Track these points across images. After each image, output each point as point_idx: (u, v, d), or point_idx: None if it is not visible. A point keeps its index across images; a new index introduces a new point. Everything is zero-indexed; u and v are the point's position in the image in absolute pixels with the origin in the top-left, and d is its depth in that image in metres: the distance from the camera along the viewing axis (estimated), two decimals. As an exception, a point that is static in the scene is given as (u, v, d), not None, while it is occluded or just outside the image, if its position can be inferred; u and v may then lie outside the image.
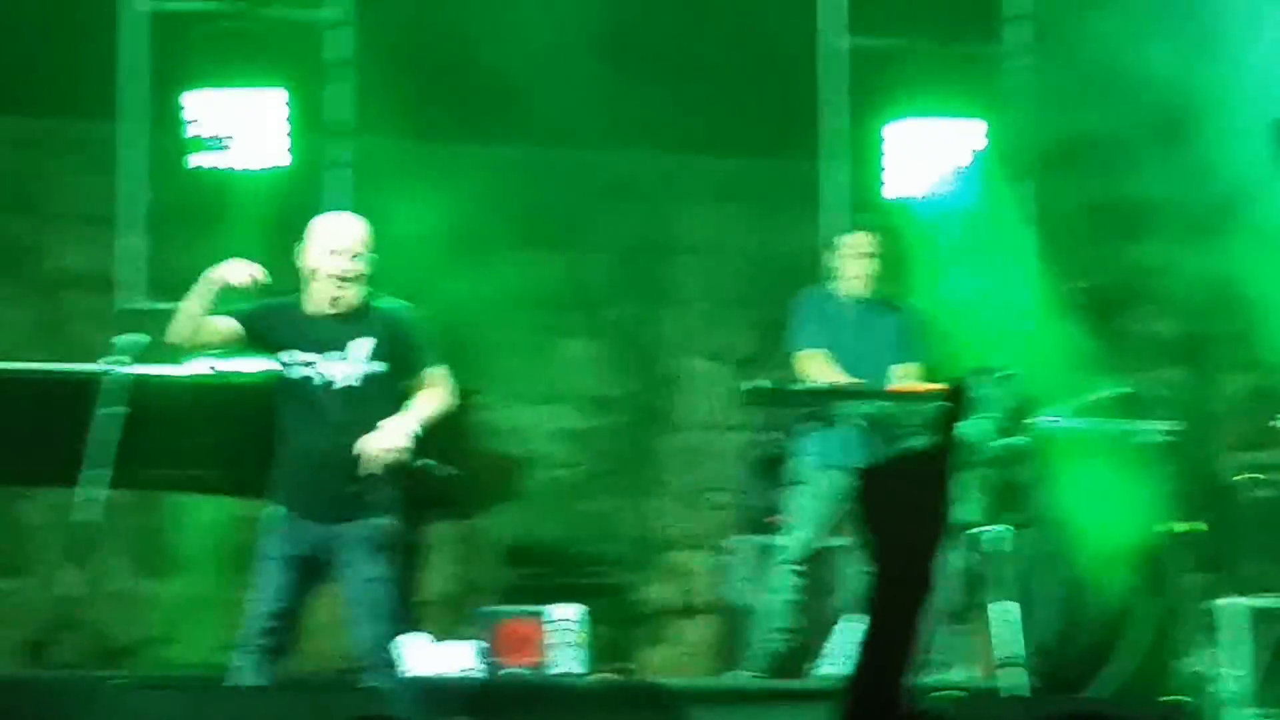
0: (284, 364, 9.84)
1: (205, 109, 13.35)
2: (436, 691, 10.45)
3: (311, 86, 13.60)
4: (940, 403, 8.19)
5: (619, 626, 13.27)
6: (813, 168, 13.80)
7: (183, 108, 13.28)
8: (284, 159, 13.43)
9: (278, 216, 12.71)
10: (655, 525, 14.63)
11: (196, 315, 9.73)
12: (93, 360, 10.88)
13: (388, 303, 9.93)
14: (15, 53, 13.08)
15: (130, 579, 11.89)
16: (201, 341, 10.00)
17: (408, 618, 10.99)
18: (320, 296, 9.62)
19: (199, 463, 11.53)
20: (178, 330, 9.80)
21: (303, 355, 9.72)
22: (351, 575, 9.67)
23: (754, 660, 11.66)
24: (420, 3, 13.71)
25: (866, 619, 2.75)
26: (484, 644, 11.35)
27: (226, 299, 9.65)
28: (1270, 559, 11.63)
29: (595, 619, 11.98)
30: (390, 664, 9.73)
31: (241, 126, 13.38)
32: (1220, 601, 11.53)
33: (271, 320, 9.88)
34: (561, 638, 11.38)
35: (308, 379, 9.76)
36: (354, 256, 9.70)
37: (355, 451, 9.61)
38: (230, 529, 12.87)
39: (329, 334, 9.68)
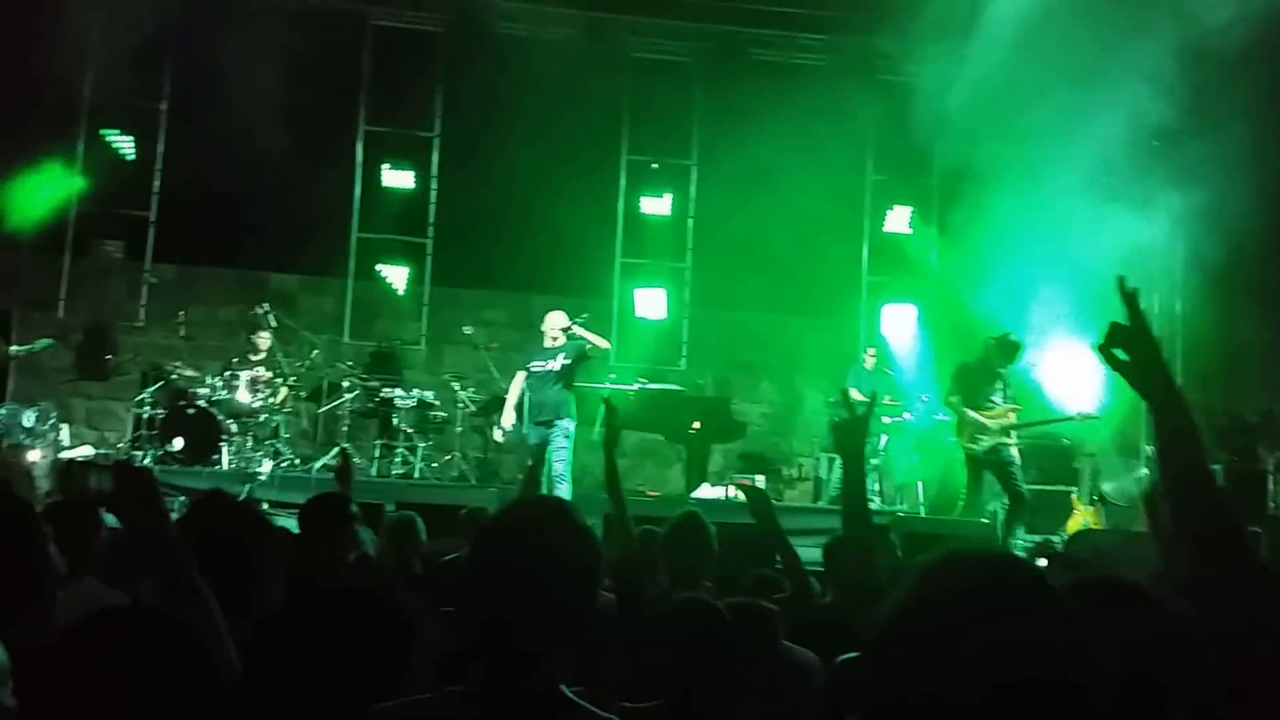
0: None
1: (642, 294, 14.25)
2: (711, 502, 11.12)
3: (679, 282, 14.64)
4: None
5: (777, 483, 13.44)
6: (855, 322, 14.56)
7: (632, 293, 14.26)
8: (664, 315, 14.31)
9: (661, 344, 14.44)
10: (792, 447, 14.71)
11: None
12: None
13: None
14: (545, 254, 13.30)
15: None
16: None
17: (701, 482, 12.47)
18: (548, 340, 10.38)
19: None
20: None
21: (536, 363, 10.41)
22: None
23: (826, 498, 12.45)
24: (723, 257, 13.95)
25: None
26: (731, 486, 11.74)
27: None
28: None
29: (769, 480, 12.81)
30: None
31: (653, 299, 14.23)
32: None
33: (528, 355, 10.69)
34: (759, 485, 11.11)
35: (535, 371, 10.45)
36: (554, 328, 10.35)
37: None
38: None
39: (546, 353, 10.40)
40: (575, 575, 2.08)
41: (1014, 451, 10.44)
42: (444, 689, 2.12)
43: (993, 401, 10.45)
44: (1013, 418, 10.46)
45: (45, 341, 10.10)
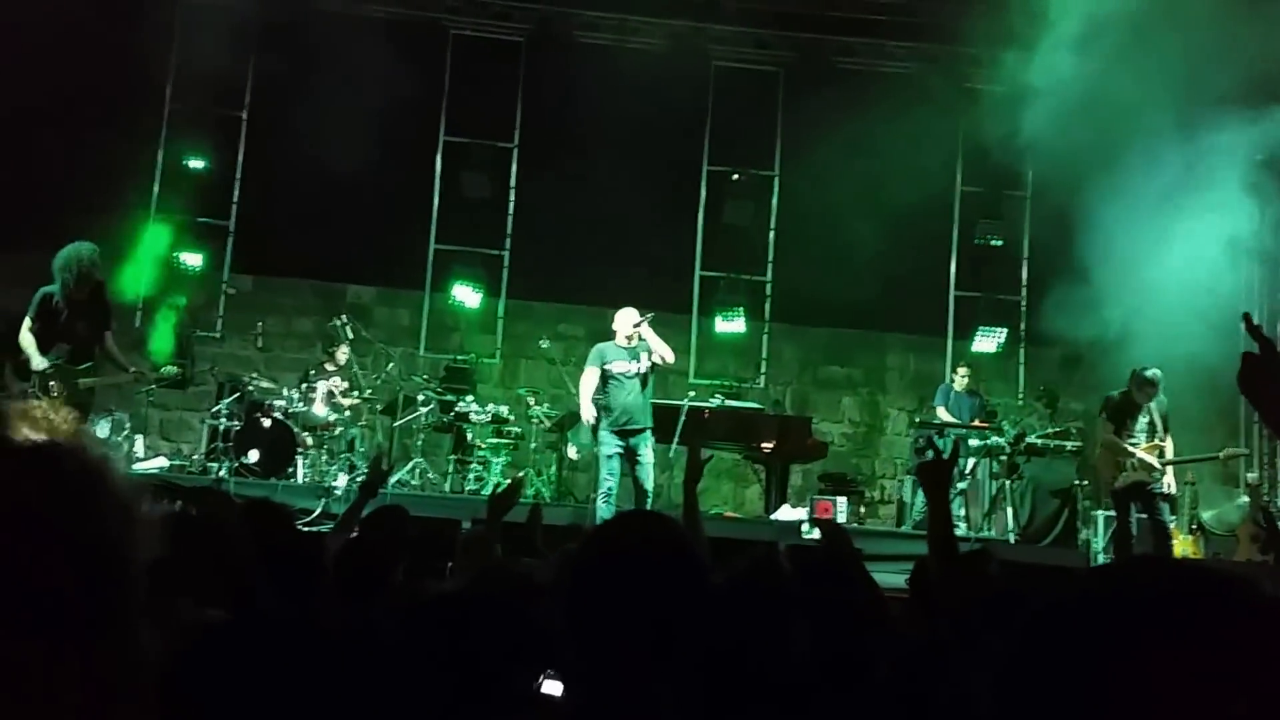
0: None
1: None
2: (790, 524, 11.14)
3: (759, 296, 14.32)
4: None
5: (859, 506, 13.04)
6: (942, 338, 14.46)
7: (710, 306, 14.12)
8: (743, 329, 14.05)
9: (739, 359, 14.45)
10: (874, 470, 14.70)
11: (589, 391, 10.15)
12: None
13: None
14: (623, 266, 13.09)
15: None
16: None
17: (781, 503, 12.11)
18: (621, 339, 10.08)
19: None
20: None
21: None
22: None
23: (909, 523, 12.48)
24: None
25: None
26: (810, 509, 11.51)
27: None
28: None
29: (850, 503, 12.23)
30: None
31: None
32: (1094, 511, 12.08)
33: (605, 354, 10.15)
34: (837, 509, 11.51)
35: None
36: (628, 325, 10.07)
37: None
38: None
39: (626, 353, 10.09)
40: (680, 594, 2.05)
41: (1163, 486, 10.24)
42: (542, 708, 2.11)
43: (1135, 437, 10.30)
44: (1156, 454, 10.25)
45: (172, 369, 10.07)
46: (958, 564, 3.30)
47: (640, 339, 10.09)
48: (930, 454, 11.15)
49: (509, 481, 5.76)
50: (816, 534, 8.16)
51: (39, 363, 9.00)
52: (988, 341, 14.37)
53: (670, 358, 10.26)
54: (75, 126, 12.12)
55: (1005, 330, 14.33)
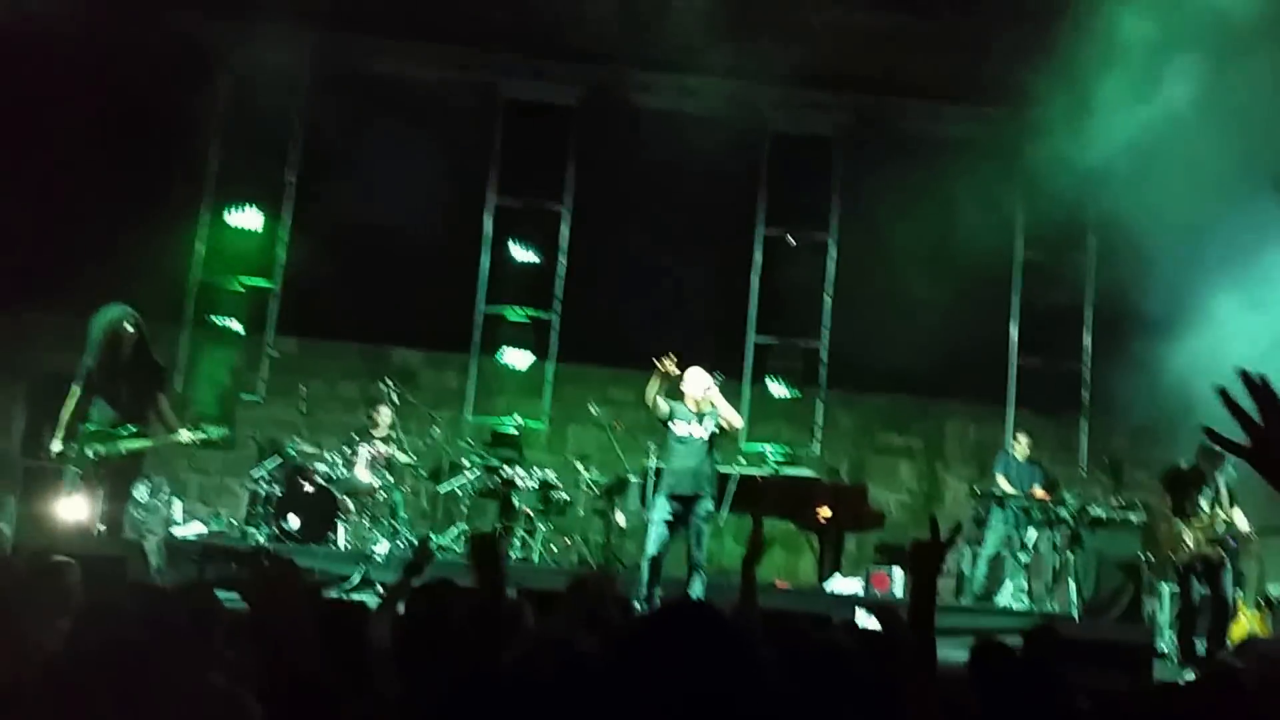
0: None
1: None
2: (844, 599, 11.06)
3: (813, 361, 14.30)
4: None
5: None
6: (1000, 405, 14.32)
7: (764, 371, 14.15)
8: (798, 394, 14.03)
9: (793, 424, 14.31)
10: None
11: (655, 392, 9.59)
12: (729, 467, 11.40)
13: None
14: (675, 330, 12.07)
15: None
16: (658, 412, 9.66)
17: (834, 573, 12.15)
18: (690, 401, 9.68)
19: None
20: (648, 396, 9.62)
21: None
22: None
23: (968, 592, 12.60)
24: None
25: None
26: (865, 581, 11.91)
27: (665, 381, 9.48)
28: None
29: (906, 575, 10.95)
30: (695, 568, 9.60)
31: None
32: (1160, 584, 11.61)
33: (675, 410, 9.76)
34: (894, 581, 11.96)
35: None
36: (698, 388, 9.66)
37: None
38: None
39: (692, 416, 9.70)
40: (729, 694, 2.03)
41: (1229, 559, 10.12)
42: None
43: (1201, 508, 10.13)
44: (1221, 527, 10.09)
45: (220, 430, 9.81)
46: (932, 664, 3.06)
47: (711, 405, 9.84)
48: (964, 525, 10.85)
49: (481, 534, 5.56)
50: (874, 623, 7.93)
51: (55, 445, 8.78)
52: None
53: (739, 425, 10.07)
54: (120, 188, 12.16)
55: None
